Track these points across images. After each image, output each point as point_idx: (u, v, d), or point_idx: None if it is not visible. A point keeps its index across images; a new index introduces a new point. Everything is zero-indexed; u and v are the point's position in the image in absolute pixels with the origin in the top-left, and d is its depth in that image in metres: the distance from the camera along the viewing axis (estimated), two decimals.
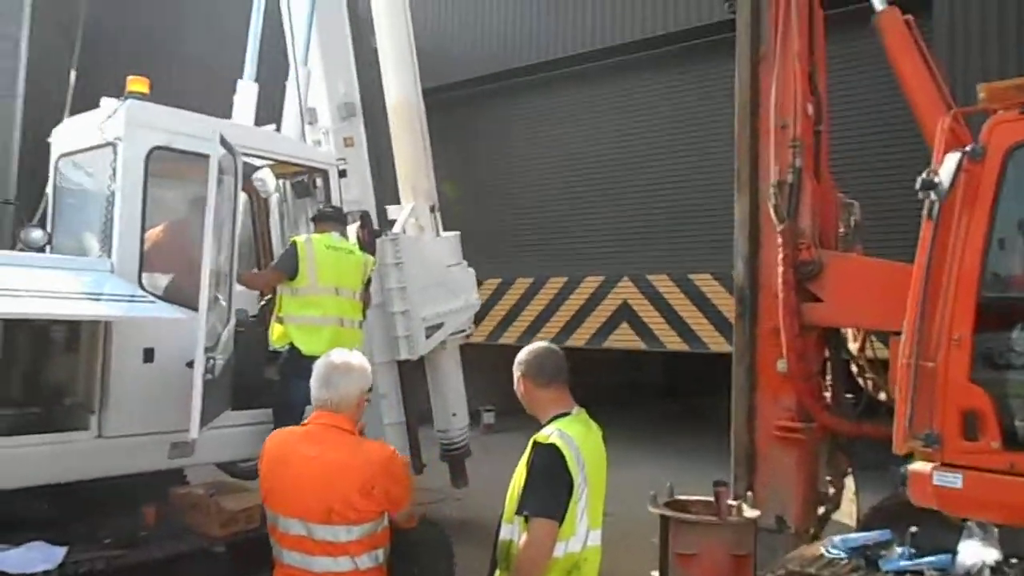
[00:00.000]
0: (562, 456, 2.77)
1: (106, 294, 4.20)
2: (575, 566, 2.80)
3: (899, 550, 3.96)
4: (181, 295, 4.46)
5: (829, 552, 4.20)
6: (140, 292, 4.34)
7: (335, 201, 5.67)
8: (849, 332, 5.75)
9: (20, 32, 10.53)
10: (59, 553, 3.87)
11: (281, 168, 5.73)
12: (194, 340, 4.08)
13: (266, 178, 5.68)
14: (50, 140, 5.17)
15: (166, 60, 11.77)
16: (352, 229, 5.82)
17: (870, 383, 5.61)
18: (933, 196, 3.93)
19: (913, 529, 3.96)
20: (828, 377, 5.69)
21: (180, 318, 4.18)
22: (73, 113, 5.22)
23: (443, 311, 7.32)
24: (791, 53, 5.41)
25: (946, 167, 3.89)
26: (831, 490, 5.70)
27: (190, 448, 4.59)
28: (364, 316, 5.54)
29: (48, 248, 4.96)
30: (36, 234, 4.78)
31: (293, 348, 4.91)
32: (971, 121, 4.46)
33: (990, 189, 3.84)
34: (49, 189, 5.15)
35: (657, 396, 17.22)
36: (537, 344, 3.17)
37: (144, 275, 4.56)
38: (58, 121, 5.37)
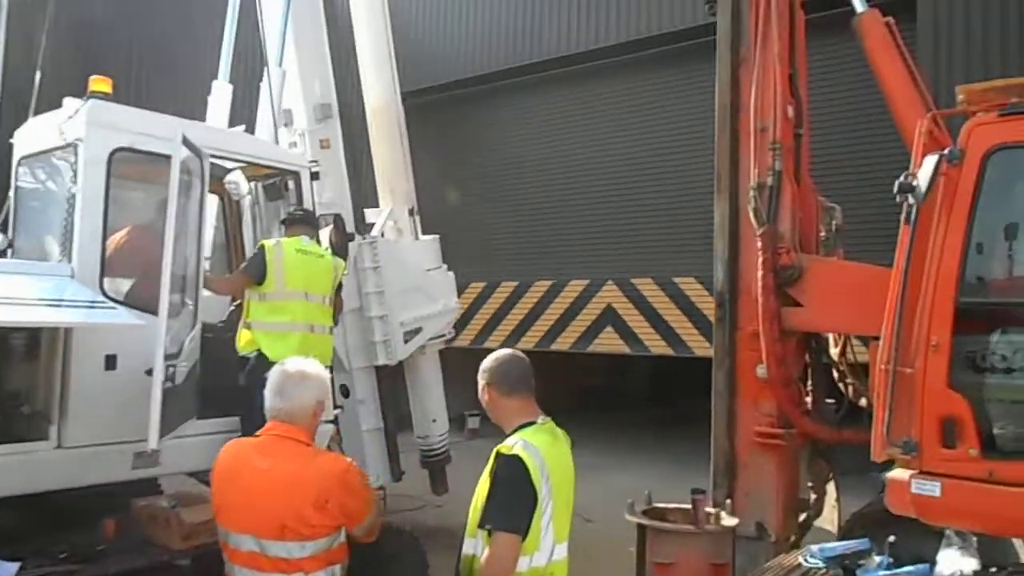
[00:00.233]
0: (526, 467, 2.68)
1: (65, 300, 4.08)
2: None
3: (877, 559, 3.88)
4: (144, 300, 4.33)
5: (807, 561, 4.13)
6: (101, 298, 4.22)
7: (307, 204, 5.56)
8: (830, 337, 5.70)
9: None
10: (11, 569, 3.74)
11: (252, 170, 5.62)
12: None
13: (238, 180, 5.57)
14: (12, 141, 5.05)
15: (148, 62, 11.69)
16: (325, 233, 5.72)
17: (851, 388, 5.56)
18: (911, 199, 3.87)
19: (891, 538, 3.88)
20: (809, 382, 5.64)
21: (140, 324, 4.05)
22: (39, 115, 5.09)
23: (422, 315, 7.25)
24: (771, 55, 5.37)
25: (924, 170, 3.82)
26: (812, 496, 5.67)
27: (155, 458, 4.46)
28: (335, 322, 5.43)
29: (9, 252, 4.83)
30: None
31: (260, 355, 4.78)
32: (952, 124, 4.40)
33: (968, 192, 3.77)
34: (11, 192, 5.02)
35: (643, 400, 17.17)
36: (502, 351, 3.07)
37: (106, 280, 4.44)
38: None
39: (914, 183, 3.84)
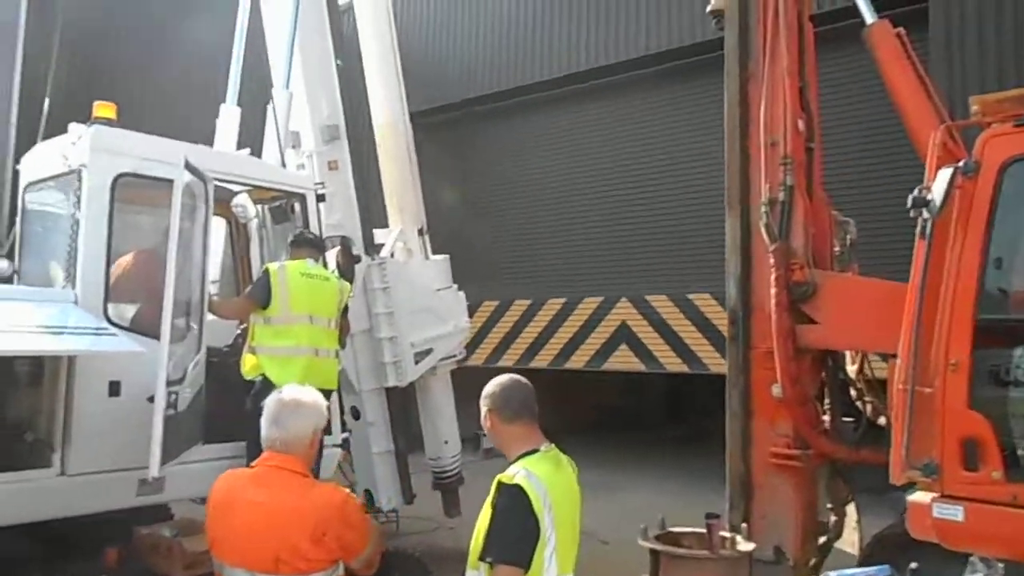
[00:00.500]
0: (527, 497, 2.60)
1: (69, 327, 4.07)
2: None
3: None
4: (148, 325, 4.30)
5: None
6: (104, 324, 4.19)
7: (313, 226, 5.52)
8: (847, 354, 5.57)
9: (15, 54, 10.53)
10: None
11: (258, 193, 5.60)
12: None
13: (245, 204, 5.54)
14: (19, 168, 5.06)
15: (156, 87, 11.79)
16: (332, 254, 5.68)
17: (869, 407, 5.42)
18: (925, 214, 3.78)
19: (913, 565, 3.73)
20: (826, 400, 5.51)
21: (141, 351, 4.01)
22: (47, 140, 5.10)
23: (432, 336, 7.18)
24: (780, 69, 5.30)
25: (938, 183, 3.74)
26: (832, 518, 5.52)
27: (159, 485, 4.41)
28: (342, 345, 5.38)
29: (15, 278, 4.83)
30: (1, 264, 4.65)
31: (266, 379, 4.73)
32: (967, 135, 4.31)
33: (985, 205, 3.68)
34: (18, 218, 5.02)
35: (660, 418, 16.96)
36: (504, 376, 2.99)
37: (111, 305, 4.42)
38: None
39: (929, 197, 3.75)
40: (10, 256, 4.94)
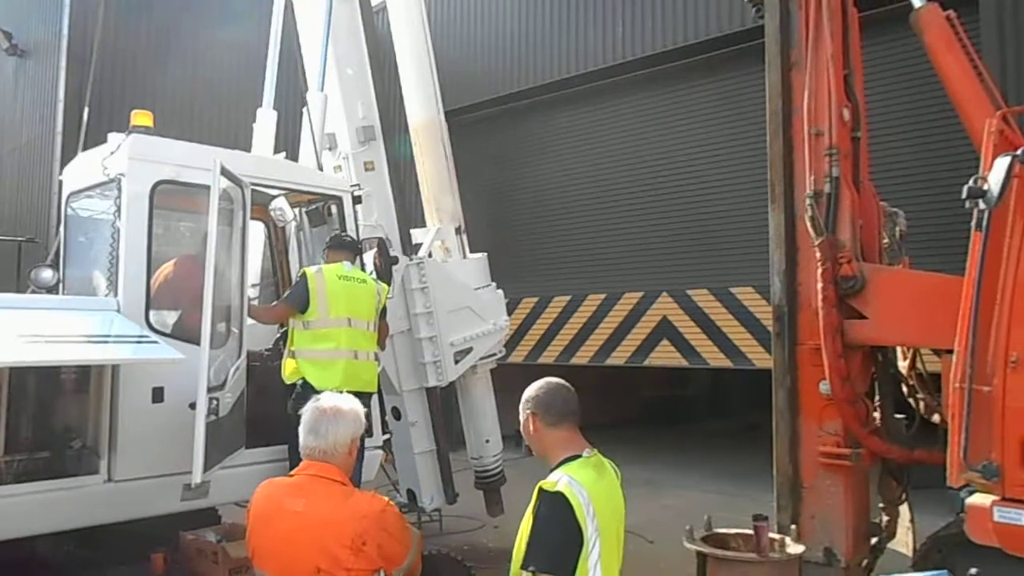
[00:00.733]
0: (570, 506, 2.54)
1: (112, 335, 4.11)
2: None
3: None
4: (189, 331, 4.34)
5: None
6: (146, 331, 4.23)
7: (350, 228, 5.51)
8: (898, 349, 5.40)
9: (59, 63, 10.77)
10: None
11: (295, 197, 5.61)
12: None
13: (283, 207, 5.58)
14: (61, 178, 5.13)
15: (197, 94, 11.95)
16: (369, 256, 5.66)
17: (922, 403, 5.26)
18: (982, 204, 3.63)
19: (973, 571, 3.60)
20: (876, 397, 5.35)
21: (182, 358, 4.03)
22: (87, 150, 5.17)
23: (472, 335, 7.16)
24: (824, 56, 5.14)
25: (995, 173, 3.58)
26: (884, 518, 5.36)
27: (204, 489, 4.45)
28: (381, 347, 5.36)
29: (61, 287, 4.90)
30: (46, 274, 4.73)
31: (306, 383, 4.74)
32: (1022, 122, 4.13)
33: None
34: (60, 228, 5.10)
35: (705, 413, 16.77)
36: (546, 379, 2.92)
37: (153, 312, 4.46)
38: None
39: (985, 187, 3.60)
40: (55, 265, 5.01)
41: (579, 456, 2.73)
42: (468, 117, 12.64)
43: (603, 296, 11.81)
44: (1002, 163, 3.57)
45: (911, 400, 5.38)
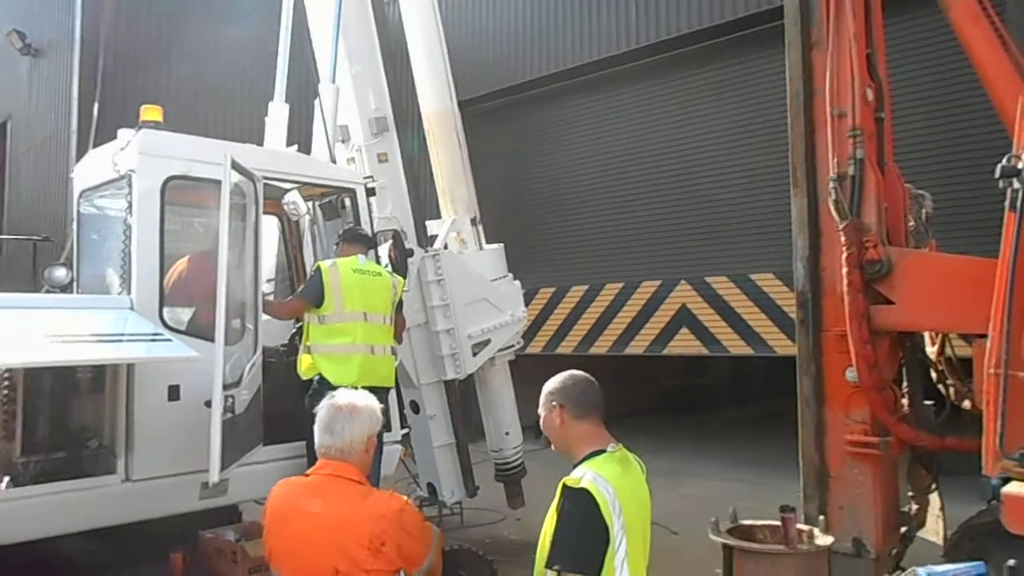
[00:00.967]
0: (595, 502, 2.46)
1: (126, 334, 4.07)
2: None
3: None
4: (203, 328, 4.30)
5: None
6: (159, 329, 4.19)
7: (364, 221, 5.44)
8: (926, 334, 5.27)
9: (72, 61, 10.78)
10: None
11: (308, 190, 5.54)
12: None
13: (296, 200, 5.50)
14: (72, 176, 5.09)
15: (207, 88, 11.92)
16: (384, 249, 5.59)
17: (952, 390, 5.14)
18: (1016, 184, 3.49)
19: (1011, 562, 3.48)
20: (904, 383, 5.23)
21: (196, 356, 3.98)
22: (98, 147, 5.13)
23: (489, 327, 7.08)
24: (846, 35, 5.00)
25: None
26: (913, 507, 5.26)
27: (222, 487, 4.41)
28: (398, 341, 5.29)
29: (75, 286, 4.86)
30: (59, 273, 4.70)
31: (323, 379, 4.68)
32: None
33: None
34: (74, 226, 5.06)
35: (724, 401, 16.63)
36: (570, 372, 2.84)
37: (167, 309, 4.41)
38: None
39: (1019, 166, 3.47)
40: (69, 264, 4.97)
41: (603, 451, 2.66)
42: (481, 107, 12.52)
43: (621, 285, 11.69)
44: None
45: (941, 386, 5.26)
